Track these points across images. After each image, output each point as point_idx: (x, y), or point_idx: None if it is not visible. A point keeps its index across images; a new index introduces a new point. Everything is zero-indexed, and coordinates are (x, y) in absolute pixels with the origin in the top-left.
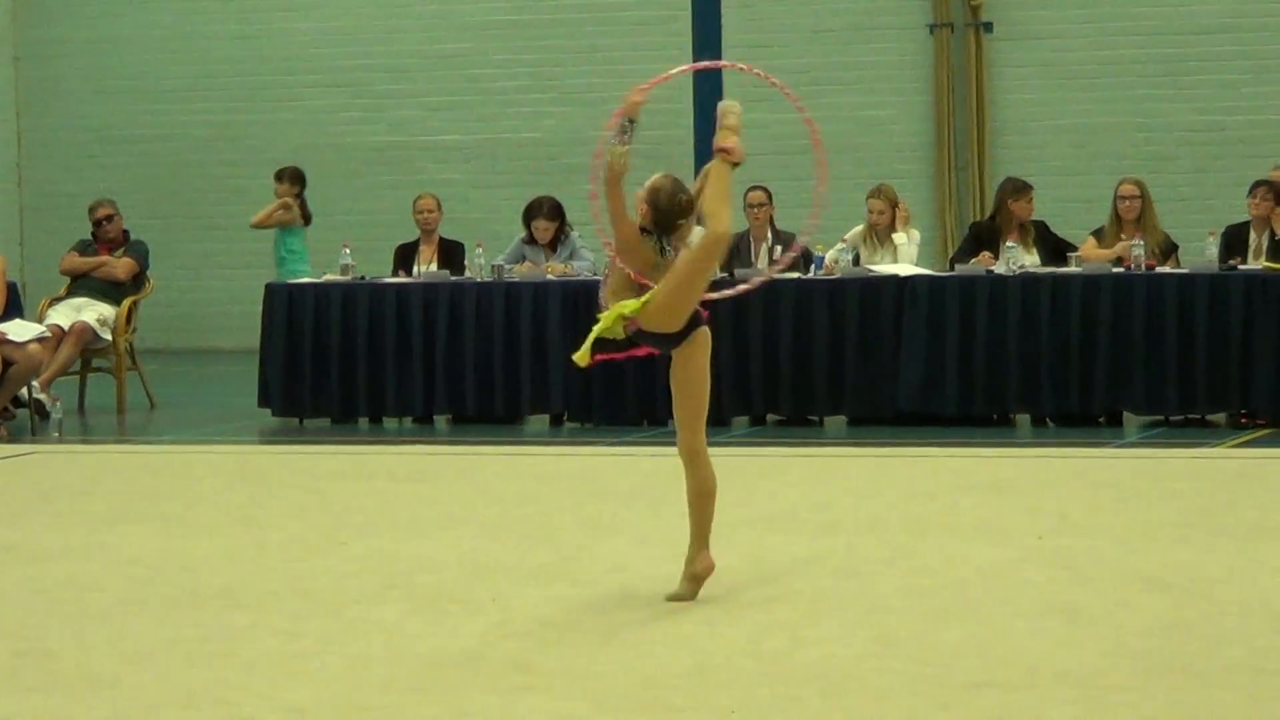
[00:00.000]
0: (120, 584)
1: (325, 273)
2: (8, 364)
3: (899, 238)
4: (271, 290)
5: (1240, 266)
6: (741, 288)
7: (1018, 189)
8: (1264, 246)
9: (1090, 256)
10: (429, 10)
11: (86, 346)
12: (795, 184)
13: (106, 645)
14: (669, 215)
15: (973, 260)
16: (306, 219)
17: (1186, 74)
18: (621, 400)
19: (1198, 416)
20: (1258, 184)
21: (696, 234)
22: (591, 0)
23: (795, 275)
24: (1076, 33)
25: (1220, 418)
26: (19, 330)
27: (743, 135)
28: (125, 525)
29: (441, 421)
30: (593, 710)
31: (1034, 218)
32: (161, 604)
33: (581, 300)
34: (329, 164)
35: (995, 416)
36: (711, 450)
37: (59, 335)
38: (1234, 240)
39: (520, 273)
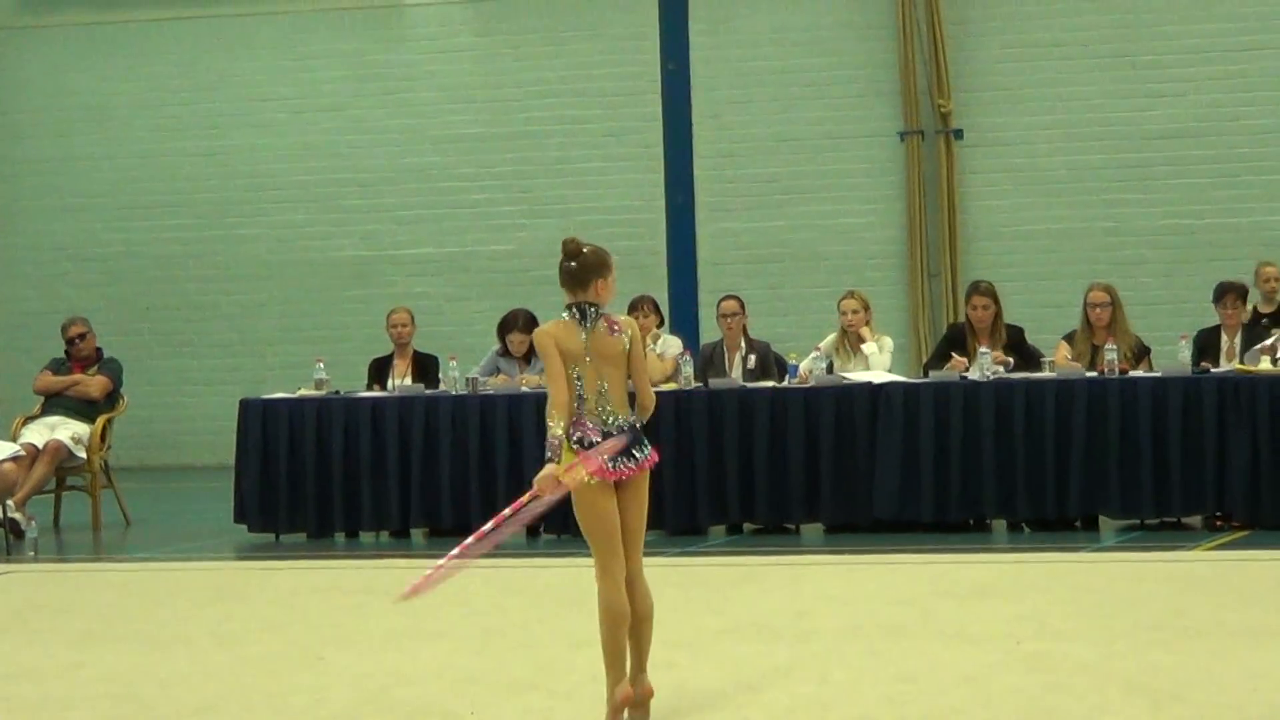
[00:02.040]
0: (97, 703)
1: (299, 388)
2: None
3: (868, 348)
4: (246, 406)
5: (1213, 370)
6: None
7: (968, 293)
8: (1236, 349)
9: (1060, 362)
10: (397, 125)
11: (61, 465)
12: (768, 292)
13: None
14: (583, 269)
15: (946, 365)
16: None
17: (1154, 178)
18: None
19: (1173, 520)
20: (1225, 291)
21: (669, 343)
22: (561, 113)
23: (770, 384)
24: (1045, 139)
25: (1196, 520)
26: None
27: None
28: (101, 644)
29: (418, 535)
30: None
31: (1011, 323)
32: None
33: None
34: (300, 279)
35: (971, 522)
36: (688, 559)
37: (33, 454)
38: (1206, 344)
39: (495, 385)
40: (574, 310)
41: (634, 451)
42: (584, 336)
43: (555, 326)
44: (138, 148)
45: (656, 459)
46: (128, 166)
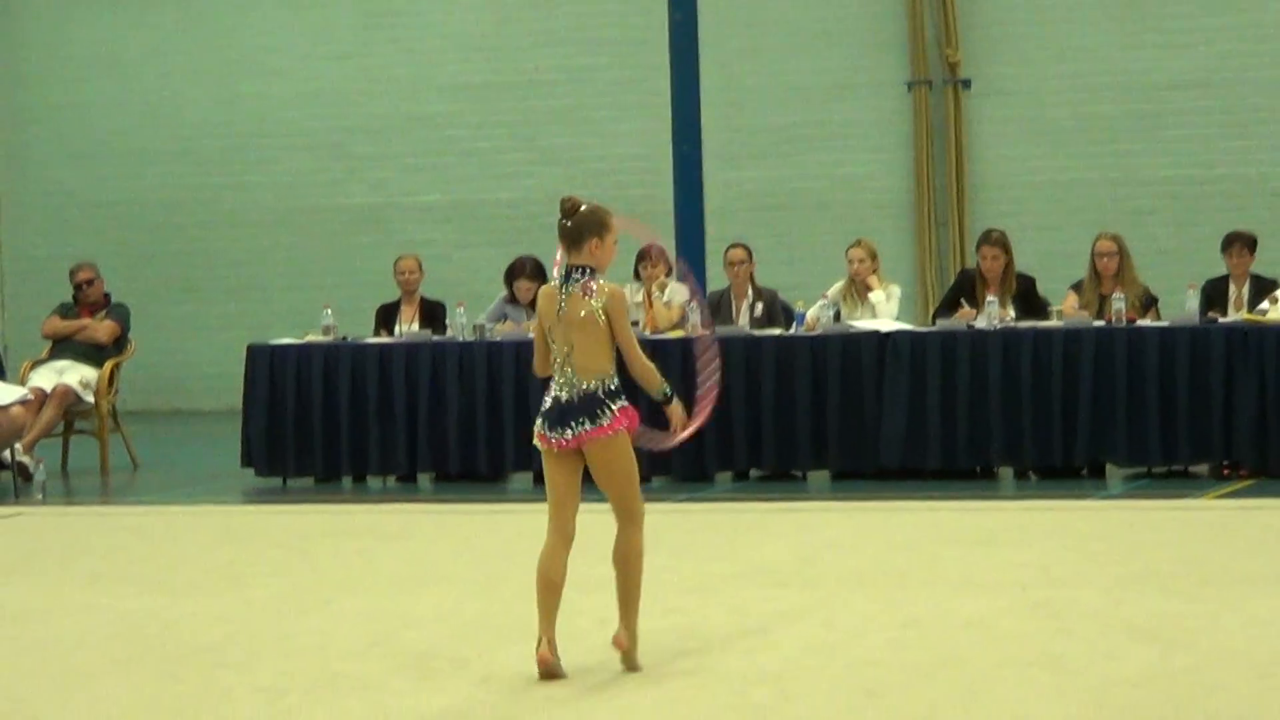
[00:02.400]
0: (105, 644)
1: (307, 334)
2: None
3: (876, 296)
4: (253, 351)
5: (1220, 319)
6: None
7: (979, 242)
8: (1244, 299)
9: (1068, 311)
10: (406, 73)
11: (69, 409)
12: (775, 240)
13: (91, 706)
14: (577, 229)
15: (956, 314)
16: None
17: (1164, 128)
18: None
19: (1180, 468)
20: (1232, 239)
21: (676, 290)
22: (568, 61)
23: (777, 332)
24: (1054, 88)
25: (1203, 469)
26: (1, 394)
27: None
28: (110, 586)
29: (425, 480)
30: None
31: (1023, 272)
32: (146, 664)
33: None
34: (308, 226)
35: (978, 470)
36: (696, 505)
37: (41, 398)
38: (1214, 293)
39: (502, 331)
40: (562, 270)
41: (571, 422)
42: (561, 299)
43: (546, 286)
44: (146, 95)
45: (620, 425)
46: (136, 114)
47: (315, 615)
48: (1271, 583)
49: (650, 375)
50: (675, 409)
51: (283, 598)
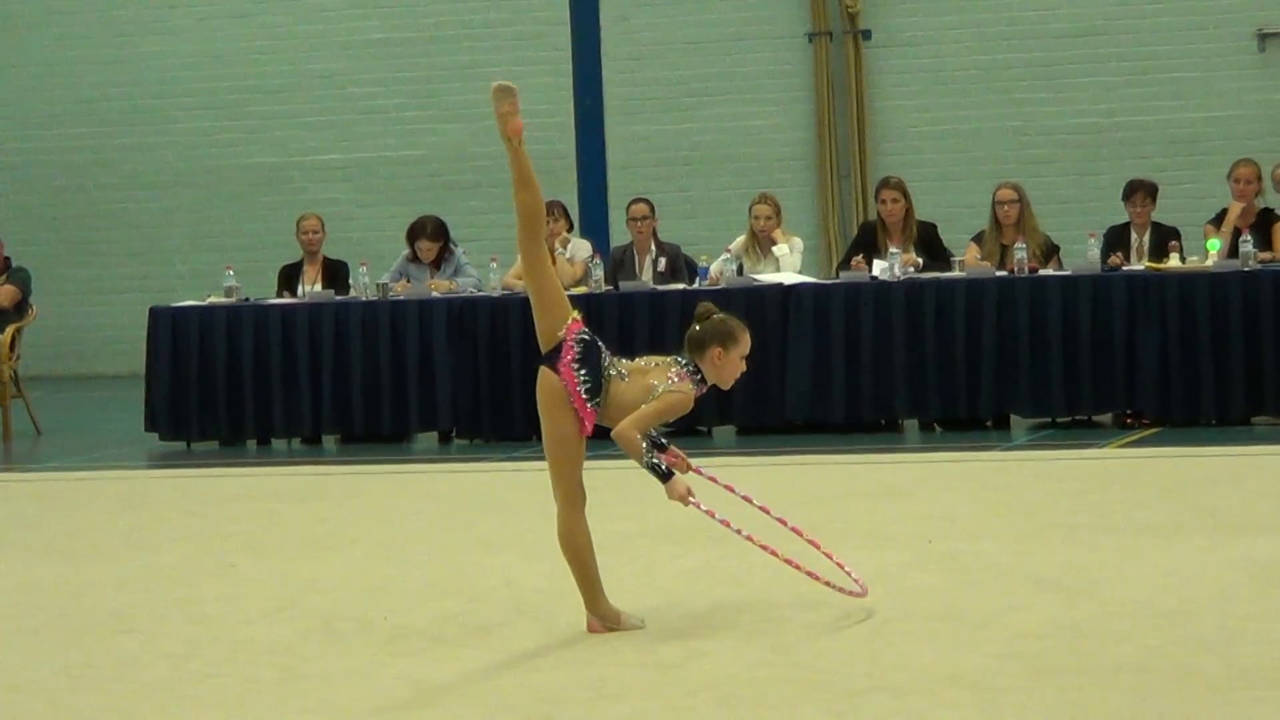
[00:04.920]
0: (8, 611)
1: (209, 295)
2: None
3: (779, 249)
4: (155, 314)
5: (1124, 267)
6: None
7: (878, 188)
8: (1145, 247)
9: (970, 262)
10: (304, 30)
11: None
12: (678, 195)
13: None
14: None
15: (851, 261)
16: None
17: (1063, 77)
18: (509, 416)
19: (1084, 418)
20: (1134, 188)
21: (579, 246)
22: (468, 17)
23: (681, 286)
24: (953, 38)
25: (1106, 418)
26: None
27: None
28: (12, 553)
29: (330, 441)
30: None
31: (924, 220)
32: (50, 631)
33: (468, 316)
34: (208, 186)
35: (883, 423)
36: (600, 463)
37: None
38: (1115, 241)
39: (405, 290)
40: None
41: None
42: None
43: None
44: (42, 56)
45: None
46: (33, 75)
47: (221, 580)
48: (1175, 532)
49: (633, 446)
50: (675, 485)
51: (188, 562)
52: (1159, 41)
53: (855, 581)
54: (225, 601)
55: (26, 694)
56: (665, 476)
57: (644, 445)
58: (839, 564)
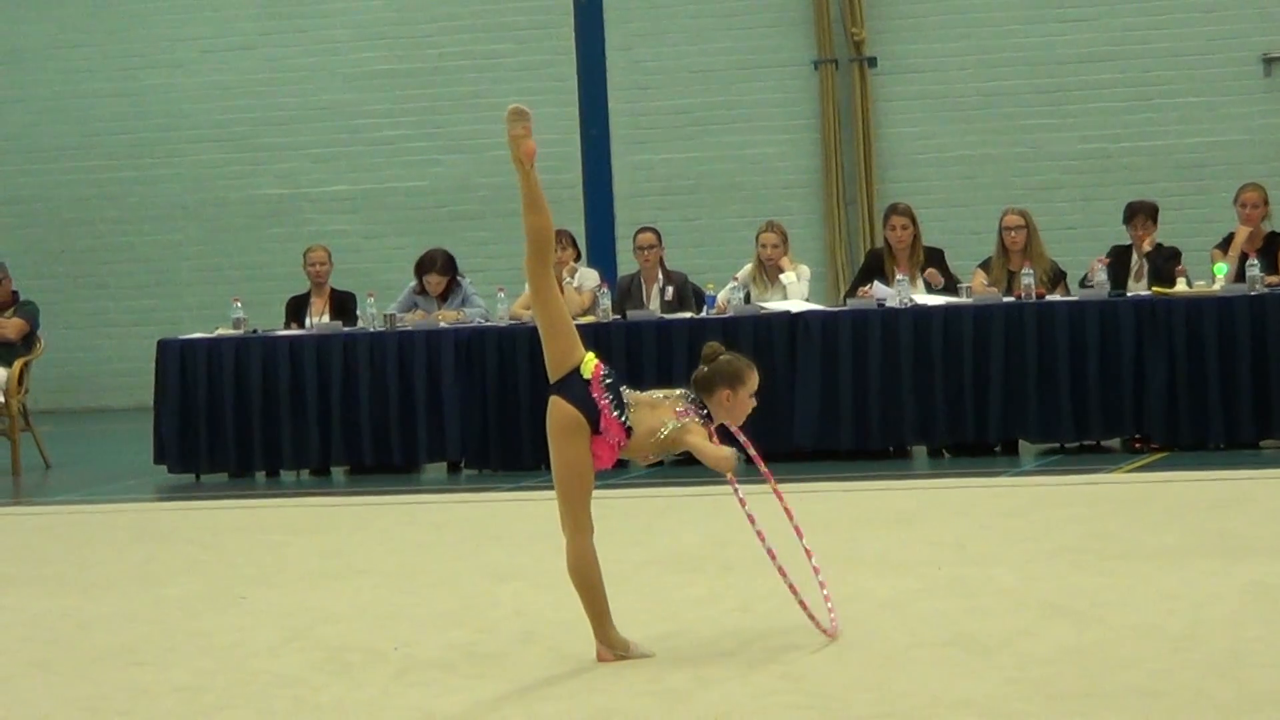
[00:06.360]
0: (19, 646)
1: (217, 328)
2: None
3: (786, 277)
4: (164, 346)
5: (1128, 294)
6: None
7: (886, 214)
8: (1144, 269)
9: (977, 288)
10: (309, 63)
11: None
12: (684, 223)
13: (6, 709)
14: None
15: (860, 290)
16: None
17: (1069, 103)
18: (518, 446)
19: (1092, 442)
20: (1135, 211)
21: (586, 275)
22: (474, 48)
23: (688, 315)
24: (959, 65)
25: (1114, 443)
26: None
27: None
28: (22, 586)
29: (339, 473)
30: None
31: (930, 245)
32: (61, 664)
33: (475, 347)
34: (215, 219)
35: (891, 449)
36: (609, 492)
37: None
38: (1117, 263)
39: (413, 321)
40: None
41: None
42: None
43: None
44: (49, 90)
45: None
46: (40, 109)
47: (231, 612)
48: (1183, 556)
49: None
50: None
51: (198, 595)
52: (1164, 67)
53: (831, 620)
54: (235, 633)
55: None
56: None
57: (717, 443)
58: (826, 596)
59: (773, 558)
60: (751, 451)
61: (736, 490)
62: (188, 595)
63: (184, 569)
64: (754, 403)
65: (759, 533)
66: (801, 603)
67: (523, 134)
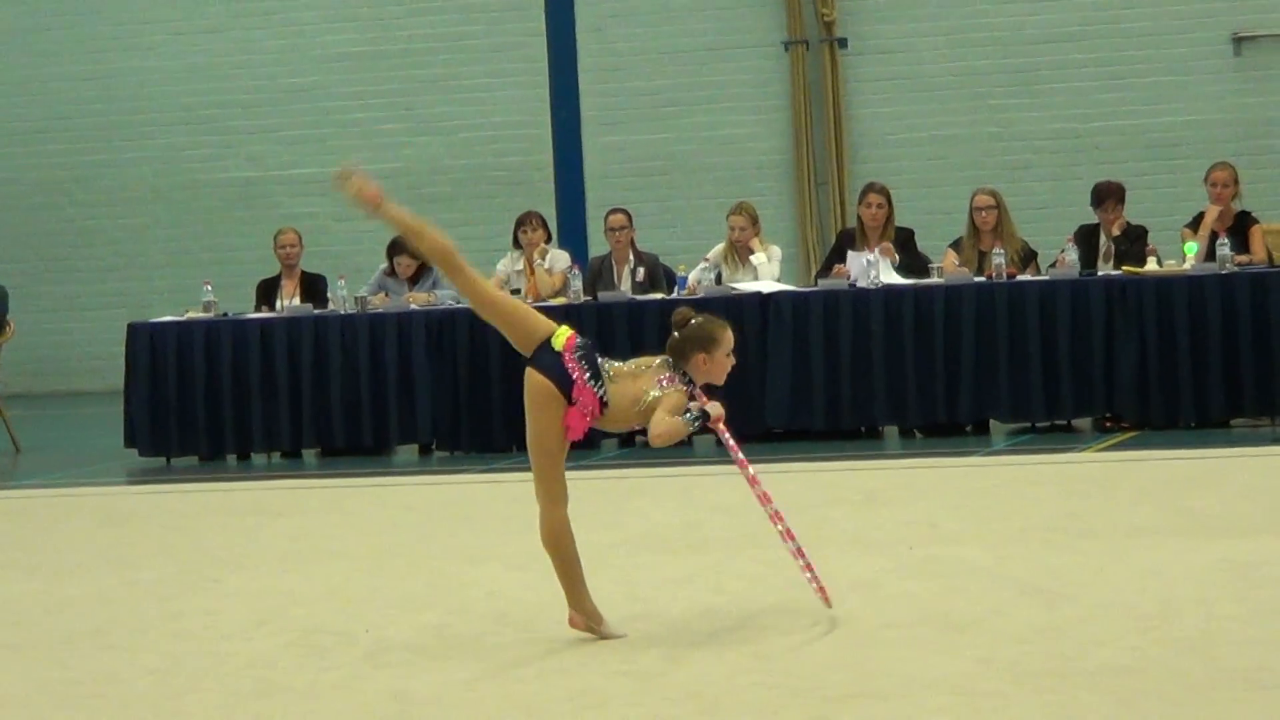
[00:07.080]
0: None
1: (187, 310)
2: None
3: (757, 258)
4: (134, 330)
5: (1099, 273)
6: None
7: (863, 191)
8: (1112, 250)
9: (948, 269)
10: (279, 45)
11: None
12: (655, 204)
13: None
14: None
15: (835, 268)
16: None
17: (1039, 83)
18: (489, 428)
19: (1063, 422)
20: (1104, 195)
21: (557, 257)
22: (444, 30)
23: (659, 296)
24: (929, 45)
25: (1085, 422)
26: None
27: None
28: None
29: (310, 455)
30: None
31: (901, 225)
32: (32, 647)
33: (446, 329)
34: (185, 202)
35: (863, 429)
36: (580, 473)
37: None
38: (1085, 243)
39: (381, 303)
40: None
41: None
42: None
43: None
44: (17, 73)
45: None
46: (7, 92)
47: (202, 595)
48: (1155, 534)
49: (673, 428)
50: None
51: (168, 578)
52: (1135, 46)
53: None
54: (206, 616)
55: (7, 710)
56: (704, 417)
57: (683, 417)
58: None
59: (791, 538)
60: (728, 439)
61: (745, 469)
62: (159, 578)
63: (155, 552)
64: (733, 360)
65: (776, 513)
66: (812, 575)
67: (357, 187)
